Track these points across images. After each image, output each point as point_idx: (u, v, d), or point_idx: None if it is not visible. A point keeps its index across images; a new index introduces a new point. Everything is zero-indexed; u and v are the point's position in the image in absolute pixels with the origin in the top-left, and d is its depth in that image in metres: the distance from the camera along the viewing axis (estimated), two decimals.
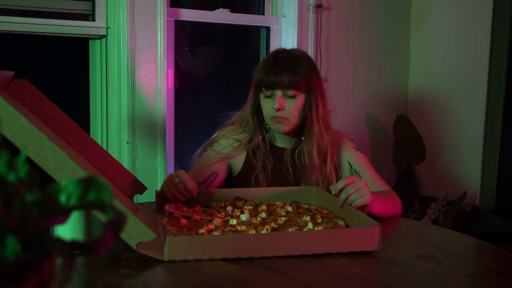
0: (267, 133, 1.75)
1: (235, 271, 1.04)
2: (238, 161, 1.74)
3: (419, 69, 3.29)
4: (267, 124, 1.73)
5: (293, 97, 1.64)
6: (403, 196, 3.08)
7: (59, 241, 0.49)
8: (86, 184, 0.51)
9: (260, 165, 1.71)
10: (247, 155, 1.73)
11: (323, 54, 2.95)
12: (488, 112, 2.98)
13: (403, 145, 3.15)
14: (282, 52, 1.71)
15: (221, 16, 2.75)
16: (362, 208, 1.40)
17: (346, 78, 3.09)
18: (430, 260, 1.14)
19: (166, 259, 1.07)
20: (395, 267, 1.10)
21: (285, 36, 2.88)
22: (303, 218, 1.34)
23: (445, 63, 3.16)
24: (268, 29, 2.91)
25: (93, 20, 2.37)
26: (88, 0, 2.38)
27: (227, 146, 1.72)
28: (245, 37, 3.11)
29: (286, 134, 1.71)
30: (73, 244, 0.50)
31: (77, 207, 0.51)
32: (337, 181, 1.70)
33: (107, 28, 2.37)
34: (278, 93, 1.63)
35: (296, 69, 1.63)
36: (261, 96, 1.68)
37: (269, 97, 1.65)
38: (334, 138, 1.74)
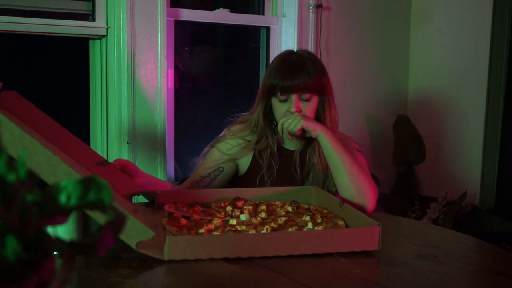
0: (275, 135, 1.75)
1: (235, 271, 1.04)
2: (245, 161, 1.74)
3: (419, 69, 3.29)
4: (275, 127, 1.73)
5: (308, 99, 1.65)
6: (403, 196, 3.10)
7: (59, 241, 0.49)
8: (86, 184, 0.51)
9: (266, 166, 1.71)
10: (254, 156, 1.73)
11: (323, 54, 2.95)
12: (488, 112, 2.98)
13: (403, 145, 3.15)
14: (292, 54, 1.71)
15: (221, 16, 2.75)
16: (301, 132, 1.60)
17: (346, 78, 3.09)
18: (430, 260, 1.14)
19: (166, 258, 1.07)
20: (395, 267, 1.10)
21: (285, 36, 2.88)
22: (303, 218, 1.35)
23: (445, 63, 3.16)
24: (268, 29, 2.91)
25: (93, 20, 2.37)
26: (88, 0, 2.38)
27: (235, 146, 1.72)
28: (245, 37, 3.11)
29: (298, 137, 1.72)
30: (73, 244, 0.50)
31: (77, 207, 0.51)
32: None
33: (107, 28, 2.37)
34: (294, 96, 1.64)
35: (310, 72, 1.64)
36: (274, 100, 1.68)
37: (284, 101, 1.65)
38: (340, 139, 1.75)
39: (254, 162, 1.73)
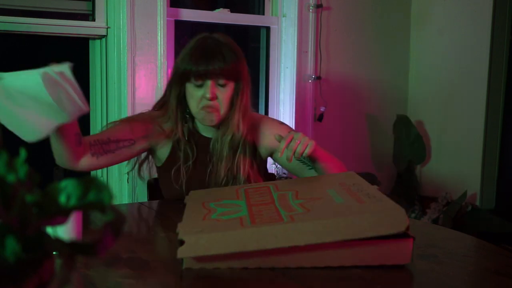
0: (186, 123, 1.67)
1: (236, 270, 1.04)
2: (163, 151, 1.67)
3: (419, 69, 3.29)
4: (187, 115, 1.66)
5: (224, 85, 1.58)
6: (403, 196, 3.10)
7: (59, 241, 0.49)
8: (86, 184, 0.51)
9: (183, 157, 1.64)
10: (173, 146, 1.66)
11: (323, 54, 2.95)
12: (488, 112, 2.98)
13: (403, 145, 3.15)
14: (207, 38, 1.64)
15: (221, 16, 2.75)
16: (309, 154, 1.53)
17: (346, 78, 3.09)
18: (430, 260, 1.14)
19: (183, 267, 1.05)
20: (395, 267, 1.10)
21: (285, 36, 2.88)
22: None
23: (445, 63, 3.16)
24: (268, 29, 2.91)
25: (93, 20, 2.37)
26: (88, 0, 2.38)
27: (153, 129, 1.64)
28: (245, 37, 3.11)
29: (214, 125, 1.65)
30: (73, 244, 0.50)
31: (77, 207, 0.51)
32: (253, 169, 1.68)
33: (107, 28, 2.37)
34: (210, 82, 1.57)
35: (225, 57, 1.57)
36: (189, 85, 1.60)
37: (199, 86, 1.58)
38: (253, 123, 1.68)
39: (173, 153, 1.66)
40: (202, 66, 1.55)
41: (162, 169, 1.68)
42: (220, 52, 1.57)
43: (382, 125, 3.26)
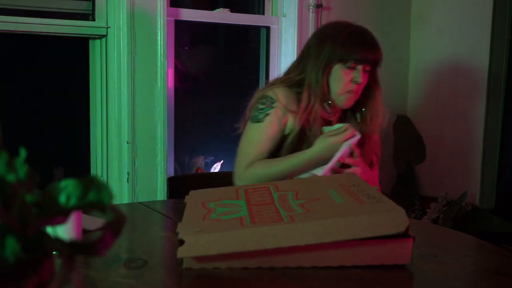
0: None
1: (236, 270, 1.04)
2: (288, 128, 1.68)
3: (419, 69, 3.29)
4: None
5: (367, 71, 1.66)
6: (403, 196, 3.10)
7: (59, 241, 0.49)
8: (86, 184, 0.51)
9: (311, 135, 1.65)
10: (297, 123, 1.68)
11: None
12: (488, 112, 2.98)
13: (403, 145, 3.15)
14: (357, 27, 1.70)
15: (221, 16, 2.75)
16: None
17: None
18: (430, 260, 1.14)
19: (183, 267, 1.05)
20: (395, 267, 1.10)
21: (285, 36, 2.88)
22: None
23: (445, 63, 3.16)
24: (268, 29, 2.91)
25: (93, 20, 2.37)
26: (88, 0, 2.38)
27: (287, 106, 1.67)
28: (245, 37, 3.11)
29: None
30: (73, 244, 0.50)
31: (76, 207, 0.51)
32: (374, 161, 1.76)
33: (107, 28, 2.37)
34: (360, 67, 1.64)
35: (379, 46, 1.68)
36: (340, 68, 1.64)
37: (351, 69, 1.64)
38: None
39: (297, 130, 1.67)
40: (367, 53, 1.64)
41: (283, 145, 1.70)
42: (376, 42, 1.68)
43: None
